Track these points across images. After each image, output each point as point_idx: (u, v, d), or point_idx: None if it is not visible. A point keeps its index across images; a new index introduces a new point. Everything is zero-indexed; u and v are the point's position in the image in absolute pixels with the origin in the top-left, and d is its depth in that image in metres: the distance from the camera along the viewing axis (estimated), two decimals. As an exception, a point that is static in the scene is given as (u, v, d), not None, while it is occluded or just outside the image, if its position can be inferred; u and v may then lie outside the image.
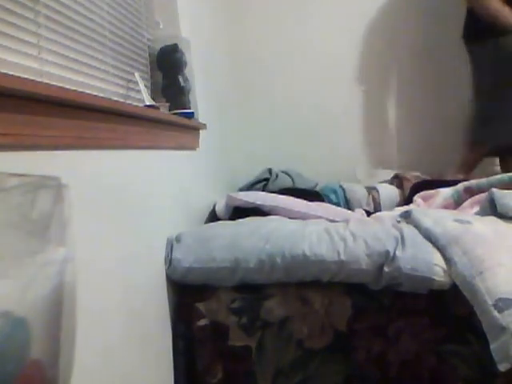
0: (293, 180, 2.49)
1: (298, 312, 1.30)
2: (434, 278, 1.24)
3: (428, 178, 2.36)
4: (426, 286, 1.25)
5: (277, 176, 2.48)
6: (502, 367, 1.09)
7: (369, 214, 1.94)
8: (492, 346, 1.11)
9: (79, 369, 0.77)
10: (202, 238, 1.38)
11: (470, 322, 1.22)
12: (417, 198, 1.90)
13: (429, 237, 1.33)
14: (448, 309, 1.27)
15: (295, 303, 1.31)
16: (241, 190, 2.42)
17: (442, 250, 1.29)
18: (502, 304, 1.12)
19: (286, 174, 2.55)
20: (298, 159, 2.76)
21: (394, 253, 1.26)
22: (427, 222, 1.38)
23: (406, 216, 1.53)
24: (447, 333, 1.26)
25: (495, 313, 1.12)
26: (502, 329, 1.10)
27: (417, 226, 1.40)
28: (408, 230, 1.37)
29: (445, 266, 1.25)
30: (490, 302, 1.13)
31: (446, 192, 1.83)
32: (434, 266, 1.24)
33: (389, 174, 2.55)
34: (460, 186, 1.81)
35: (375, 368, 1.29)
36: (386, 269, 1.25)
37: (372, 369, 1.29)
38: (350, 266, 1.28)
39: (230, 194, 1.76)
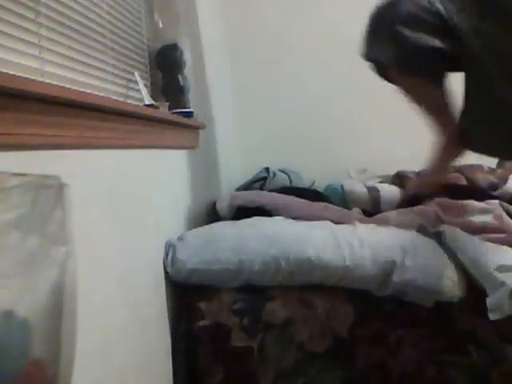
0: (290, 179, 2.49)
1: (299, 314, 1.29)
2: (443, 290, 1.24)
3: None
4: (434, 298, 1.25)
5: (274, 175, 2.48)
6: (493, 316, 1.15)
7: (368, 213, 1.93)
8: (489, 298, 1.18)
9: (79, 368, 0.77)
10: (206, 239, 1.38)
11: (472, 334, 1.23)
12: (435, 205, 1.70)
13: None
14: (451, 321, 1.27)
15: (297, 306, 1.30)
16: (238, 189, 2.41)
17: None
18: (504, 268, 1.21)
19: (284, 172, 2.55)
20: (295, 158, 2.76)
21: (403, 262, 1.25)
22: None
23: (437, 235, 1.43)
24: (448, 344, 1.26)
25: (496, 273, 1.19)
26: (501, 283, 1.17)
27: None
28: (421, 239, 1.36)
29: (455, 279, 1.25)
30: (493, 267, 1.21)
31: (474, 215, 1.62)
32: (444, 279, 1.24)
33: (385, 170, 2.54)
34: (490, 216, 1.61)
35: (375, 375, 1.28)
36: (394, 278, 1.24)
37: (372, 376, 1.28)
38: (355, 273, 1.27)
39: (234, 193, 1.76)
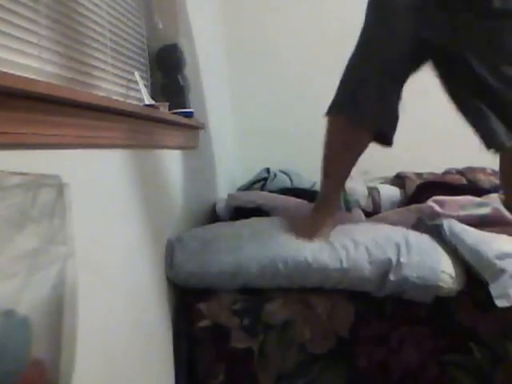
0: (291, 179, 2.49)
1: (300, 315, 1.29)
2: (441, 285, 1.23)
3: (430, 177, 2.32)
4: (432, 294, 1.24)
5: (275, 176, 2.48)
6: (500, 303, 1.16)
7: (368, 214, 1.92)
8: (491, 285, 1.18)
9: (80, 370, 0.77)
10: (203, 241, 1.37)
11: (473, 331, 1.23)
12: (431, 202, 1.69)
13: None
14: (452, 317, 1.26)
15: (297, 306, 1.29)
16: (239, 189, 2.42)
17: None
18: (503, 255, 1.22)
19: (284, 173, 2.54)
20: (296, 159, 2.76)
21: (398, 260, 1.25)
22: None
23: (435, 228, 1.41)
24: (450, 342, 1.26)
25: (496, 260, 1.20)
26: (502, 270, 1.18)
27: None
28: (414, 235, 1.35)
29: (453, 273, 1.24)
30: (492, 255, 1.22)
31: (471, 209, 1.60)
32: (441, 273, 1.23)
33: (386, 172, 2.53)
34: (488, 208, 1.58)
35: (377, 376, 1.28)
36: (391, 277, 1.24)
37: (374, 376, 1.28)
38: (353, 274, 1.26)
39: (231, 194, 1.76)
